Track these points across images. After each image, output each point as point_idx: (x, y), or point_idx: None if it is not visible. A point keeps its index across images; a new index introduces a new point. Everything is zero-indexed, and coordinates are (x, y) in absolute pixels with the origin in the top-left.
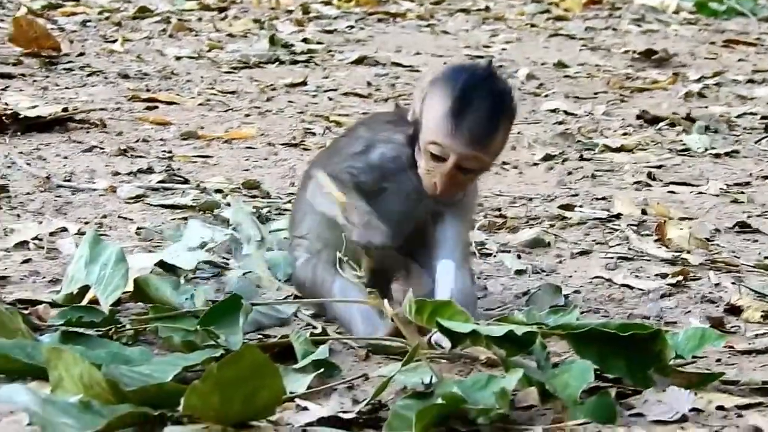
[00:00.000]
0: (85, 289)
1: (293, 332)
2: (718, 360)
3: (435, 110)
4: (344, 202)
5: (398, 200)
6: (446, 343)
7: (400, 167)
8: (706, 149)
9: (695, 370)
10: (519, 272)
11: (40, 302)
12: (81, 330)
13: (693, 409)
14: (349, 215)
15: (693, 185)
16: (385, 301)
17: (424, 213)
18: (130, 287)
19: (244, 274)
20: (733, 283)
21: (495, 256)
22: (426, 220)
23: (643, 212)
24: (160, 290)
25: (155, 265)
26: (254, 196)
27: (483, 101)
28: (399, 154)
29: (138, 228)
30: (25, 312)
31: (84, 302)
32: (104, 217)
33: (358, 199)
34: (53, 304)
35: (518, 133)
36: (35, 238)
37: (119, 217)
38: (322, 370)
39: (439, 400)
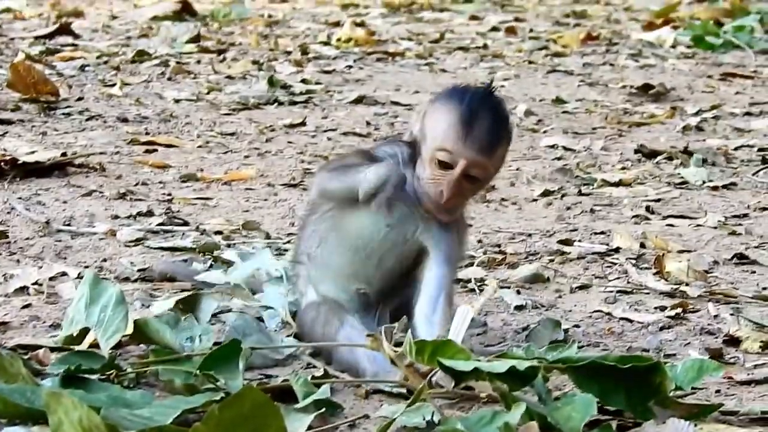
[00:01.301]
0: (85, 331)
1: (293, 373)
2: (718, 391)
3: (442, 121)
4: None
5: (388, 226)
6: (448, 382)
7: (398, 176)
8: (704, 182)
9: (695, 401)
10: (519, 308)
11: (41, 347)
12: (81, 374)
13: None
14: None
15: (691, 218)
16: (385, 343)
17: (410, 241)
18: (130, 329)
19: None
20: (731, 315)
21: (495, 292)
22: (408, 254)
23: (642, 246)
24: (160, 332)
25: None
26: (254, 237)
27: (488, 112)
28: (398, 162)
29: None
30: (26, 357)
31: (84, 345)
32: (104, 260)
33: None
34: (53, 348)
35: (517, 169)
36: (35, 283)
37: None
38: (323, 409)
39: None
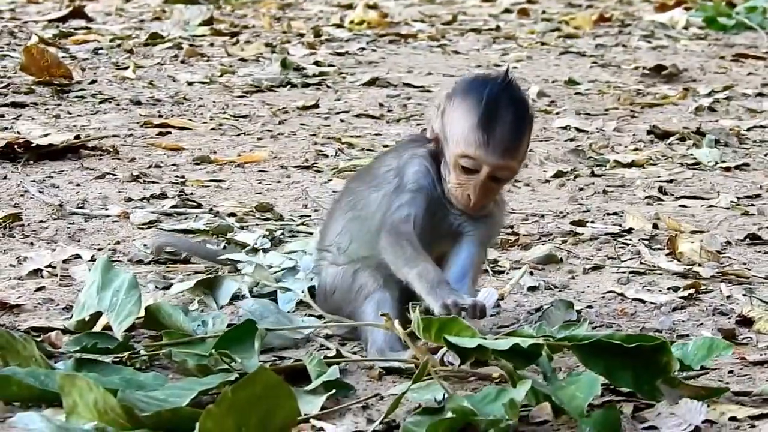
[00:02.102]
0: (97, 315)
1: (306, 354)
2: (731, 371)
3: (461, 123)
4: None
5: (426, 220)
6: (455, 360)
7: (429, 181)
8: (717, 163)
9: (707, 381)
10: (532, 289)
11: (54, 330)
12: (95, 356)
13: (706, 421)
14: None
15: (704, 199)
16: (396, 322)
17: (448, 233)
18: (142, 313)
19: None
20: (744, 295)
21: (508, 273)
22: (447, 242)
23: (655, 226)
24: (172, 317)
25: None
26: (267, 219)
27: (508, 110)
28: (427, 165)
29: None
30: (38, 339)
31: (96, 329)
32: (117, 243)
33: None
34: (65, 331)
35: (530, 150)
36: (49, 265)
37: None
38: (334, 390)
39: (450, 414)
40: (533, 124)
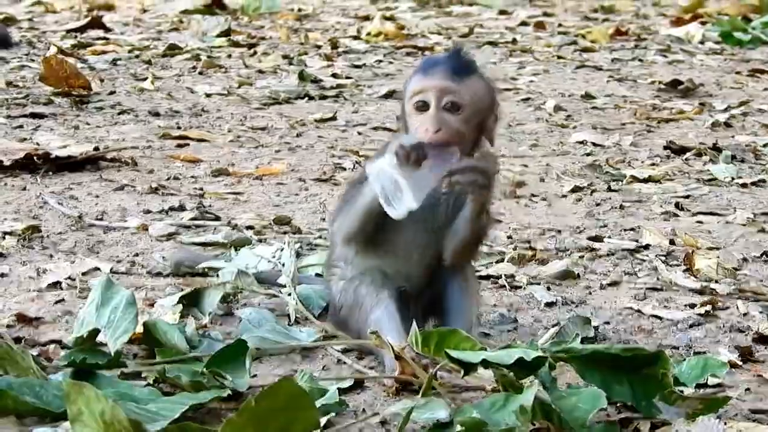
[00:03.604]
0: (95, 332)
1: (299, 371)
2: (747, 389)
3: (410, 78)
4: None
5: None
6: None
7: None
8: (733, 179)
9: (715, 396)
10: (549, 304)
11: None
12: (89, 369)
13: None
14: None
15: (720, 215)
16: (388, 338)
17: (444, 220)
18: (139, 330)
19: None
20: (761, 312)
21: (525, 288)
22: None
23: (671, 242)
24: (168, 334)
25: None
26: (285, 232)
27: (450, 54)
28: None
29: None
30: (35, 353)
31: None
32: (136, 255)
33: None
34: (64, 346)
35: (546, 165)
36: (68, 277)
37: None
38: (333, 414)
39: (459, 428)
40: (486, 75)
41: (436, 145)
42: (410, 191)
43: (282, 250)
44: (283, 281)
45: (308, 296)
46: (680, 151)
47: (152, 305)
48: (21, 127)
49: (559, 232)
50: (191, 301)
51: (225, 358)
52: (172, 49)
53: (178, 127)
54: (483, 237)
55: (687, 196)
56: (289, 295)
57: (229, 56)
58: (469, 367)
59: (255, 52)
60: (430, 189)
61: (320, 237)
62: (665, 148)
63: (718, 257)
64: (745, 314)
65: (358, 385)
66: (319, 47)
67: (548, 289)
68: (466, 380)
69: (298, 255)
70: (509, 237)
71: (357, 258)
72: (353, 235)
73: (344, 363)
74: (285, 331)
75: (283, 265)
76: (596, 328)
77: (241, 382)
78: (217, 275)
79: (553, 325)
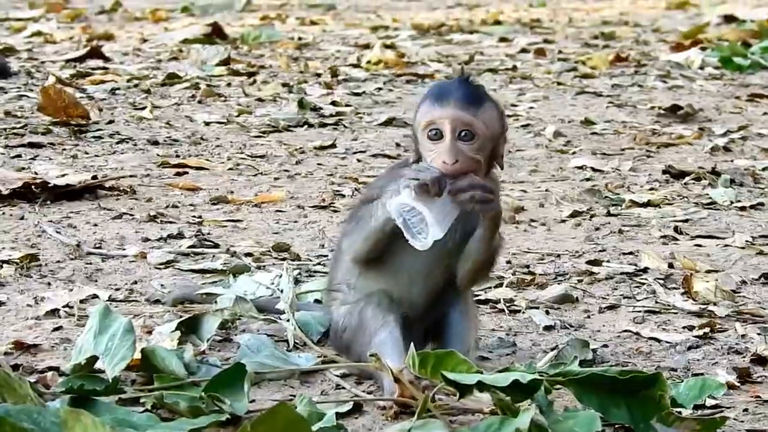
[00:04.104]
0: (93, 359)
1: (298, 396)
2: (745, 410)
3: (420, 107)
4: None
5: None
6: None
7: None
8: (732, 202)
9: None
10: (548, 328)
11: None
12: (87, 396)
13: None
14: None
15: (719, 238)
16: (387, 361)
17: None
18: (137, 356)
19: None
20: (759, 334)
21: (524, 312)
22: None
23: (670, 266)
24: (166, 360)
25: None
26: (284, 259)
27: (462, 83)
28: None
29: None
30: (32, 380)
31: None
32: (135, 283)
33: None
34: (62, 374)
35: (546, 190)
36: (66, 305)
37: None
38: None
39: None
40: (496, 104)
41: (453, 175)
42: (435, 222)
43: (280, 276)
44: (282, 307)
45: (307, 322)
46: (679, 175)
47: (150, 332)
48: (19, 156)
49: (558, 256)
50: (189, 328)
51: (223, 382)
52: (172, 78)
53: (177, 156)
54: (496, 258)
55: (686, 220)
56: (288, 321)
57: (229, 85)
58: (464, 390)
59: (254, 81)
60: (453, 218)
61: (319, 264)
62: (664, 172)
63: (717, 280)
64: (743, 336)
65: (357, 409)
66: (318, 75)
67: (547, 313)
68: (463, 403)
69: (297, 281)
70: (508, 262)
71: (361, 281)
72: (363, 255)
73: (343, 387)
74: (284, 356)
75: (282, 291)
76: (594, 351)
77: (239, 406)
78: (215, 302)
79: (552, 349)
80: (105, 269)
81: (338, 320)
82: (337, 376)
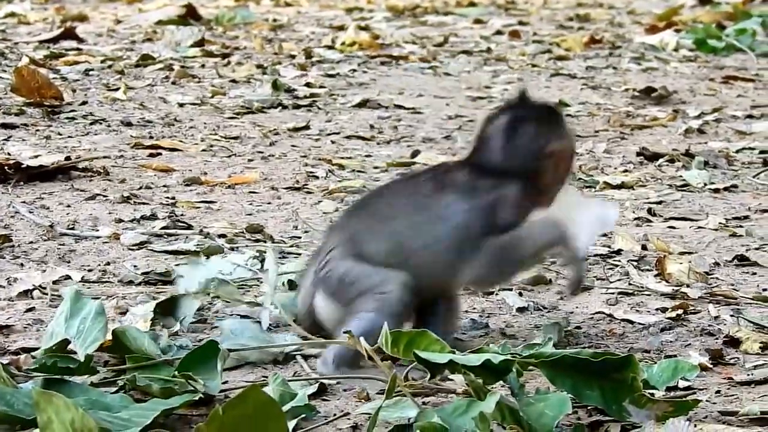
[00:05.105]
0: (65, 342)
1: (271, 376)
2: (718, 391)
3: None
4: None
5: None
6: (426, 375)
7: None
8: (706, 184)
9: (685, 399)
10: (521, 309)
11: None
12: (60, 377)
13: None
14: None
15: (692, 220)
16: (362, 339)
17: None
18: (108, 338)
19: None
20: (731, 316)
21: (497, 294)
22: None
23: (644, 248)
24: (138, 341)
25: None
26: (258, 241)
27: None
28: None
29: (143, 273)
30: (5, 362)
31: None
32: (108, 264)
33: None
34: (34, 355)
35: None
36: (39, 286)
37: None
38: (303, 415)
39: None
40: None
41: None
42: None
43: (254, 257)
44: (265, 288)
45: (284, 303)
46: (653, 157)
47: (124, 314)
48: None
49: None
50: (166, 310)
51: (196, 360)
52: (145, 59)
53: (151, 137)
54: None
55: (659, 202)
56: (271, 303)
57: (203, 66)
58: (436, 369)
59: (229, 62)
60: None
61: (294, 246)
62: (638, 154)
63: (690, 262)
64: (716, 318)
65: (329, 389)
66: (293, 57)
67: (520, 294)
68: (437, 383)
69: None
70: None
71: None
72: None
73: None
74: (261, 336)
75: (264, 271)
76: (568, 332)
77: (213, 385)
78: (180, 282)
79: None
80: (78, 250)
81: (348, 270)
82: (313, 356)
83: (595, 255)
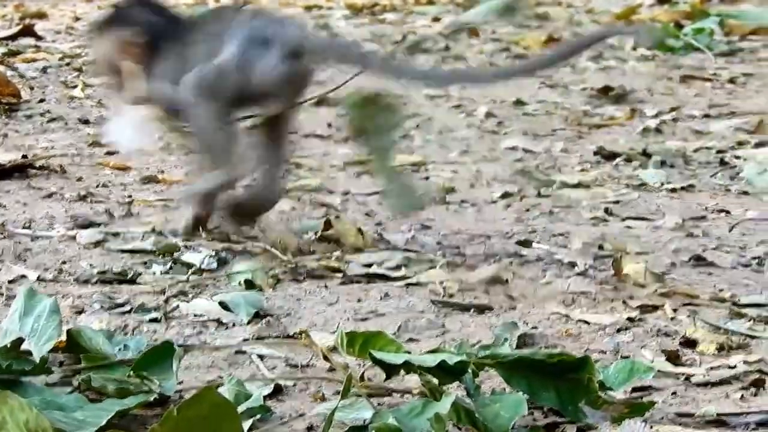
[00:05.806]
0: (19, 341)
1: (226, 376)
2: (674, 393)
3: None
4: None
5: None
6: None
7: None
8: (663, 184)
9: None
10: (478, 310)
11: None
12: (14, 377)
13: None
14: None
15: (649, 220)
16: (317, 338)
17: None
18: (63, 337)
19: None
20: (688, 316)
21: (453, 295)
22: None
23: (600, 247)
24: (93, 340)
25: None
26: (214, 239)
27: None
28: None
29: (99, 272)
30: None
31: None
32: (64, 263)
33: None
34: None
35: (477, 171)
36: None
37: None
38: (258, 416)
39: None
40: None
41: None
42: None
43: (210, 256)
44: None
45: (237, 302)
46: (610, 156)
47: (80, 313)
48: None
49: (489, 237)
50: (122, 308)
51: (151, 360)
52: None
53: None
54: None
55: (616, 202)
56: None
57: None
58: (391, 370)
59: None
60: None
61: (249, 244)
62: (595, 153)
63: (647, 262)
64: (672, 318)
65: (285, 390)
66: None
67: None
68: (393, 383)
69: (225, 261)
70: (438, 243)
71: None
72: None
73: (273, 368)
74: (213, 335)
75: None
76: (524, 333)
77: (168, 385)
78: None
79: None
80: (34, 249)
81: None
82: (267, 355)
83: (552, 255)
